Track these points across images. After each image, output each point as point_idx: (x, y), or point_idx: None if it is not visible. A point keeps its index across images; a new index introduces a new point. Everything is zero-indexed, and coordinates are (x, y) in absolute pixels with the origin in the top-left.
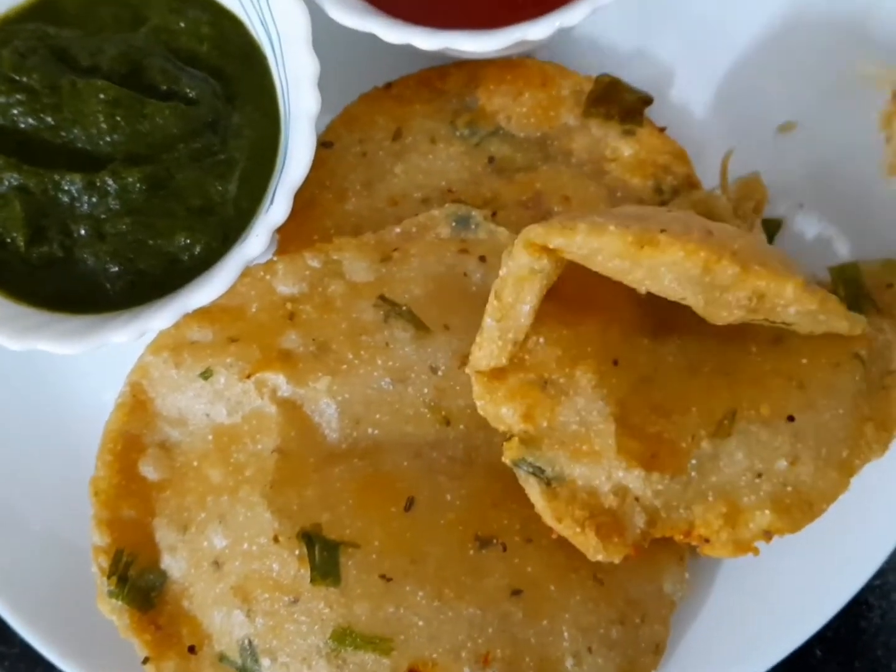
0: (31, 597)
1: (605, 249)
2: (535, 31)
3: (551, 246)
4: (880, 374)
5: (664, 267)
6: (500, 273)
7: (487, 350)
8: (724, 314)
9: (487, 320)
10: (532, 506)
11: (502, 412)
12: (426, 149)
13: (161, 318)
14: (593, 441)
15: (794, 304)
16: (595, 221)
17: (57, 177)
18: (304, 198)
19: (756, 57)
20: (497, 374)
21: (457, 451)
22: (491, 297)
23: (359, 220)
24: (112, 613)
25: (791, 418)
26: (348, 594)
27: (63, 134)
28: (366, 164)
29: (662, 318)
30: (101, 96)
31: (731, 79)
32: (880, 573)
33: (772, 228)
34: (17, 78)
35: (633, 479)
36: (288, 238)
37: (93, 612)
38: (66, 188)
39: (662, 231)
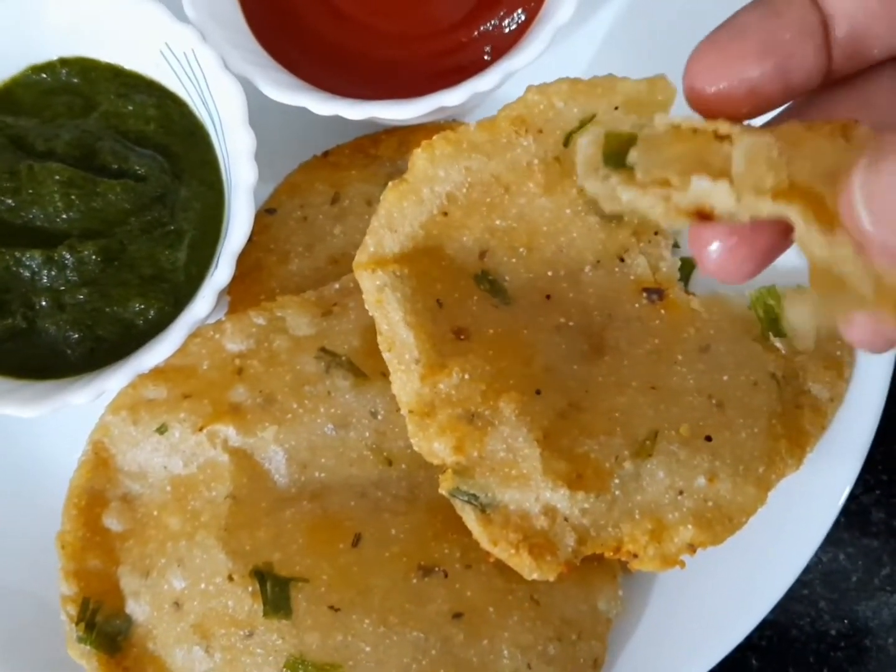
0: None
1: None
2: (452, 97)
3: (376, 257)
4: (794, 394)
5: None
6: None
7: (400, 382)
8: None
9: (385, 355)
10: (470, 535)
11: (435, 447)
12: (363, 210)
13: (116, 378)
14: (521, 465)
15: None
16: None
17: (18, 254)
18: (250, 261)
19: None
20: (427, 411)
21: (400, 490)
22: (378, 335)
23: (302, 280)
24: (81, 658)
25: (709, 438)
26: (299, 625)
27: (22, 214)
28: (307, 228)
29: (594, 341)
30: (57, 178)
31: None
32: (807, 583)
33: (688, 267)
34: None
35: (560, 498)
36: (237, 299)
37: (63, 658)
38: (26, 263)
39: None
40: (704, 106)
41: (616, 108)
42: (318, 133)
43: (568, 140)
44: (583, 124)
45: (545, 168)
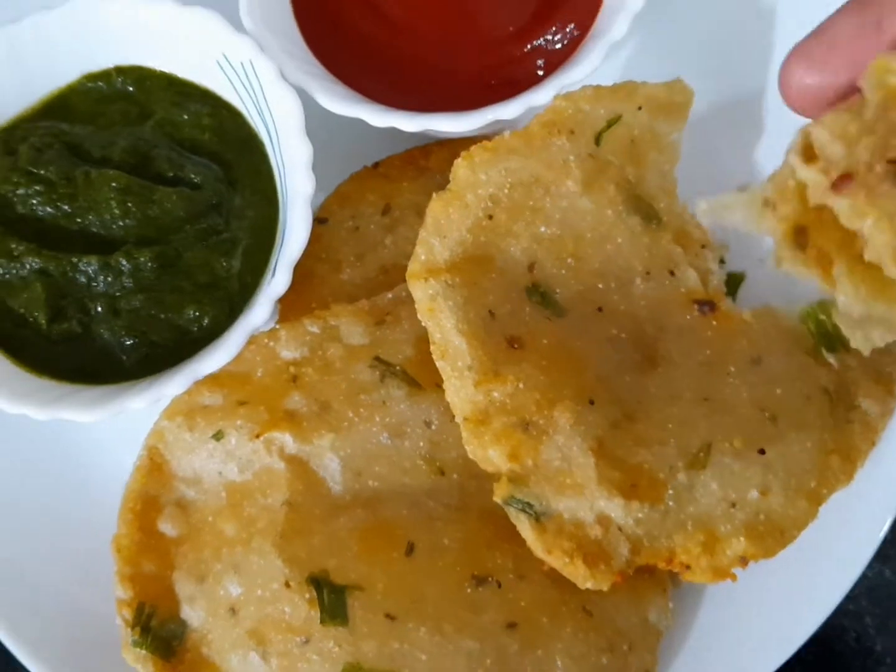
0: (60, 655)
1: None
2: (507, 111)
3: (428, 266)
4: (846, 408)
5: None
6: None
7: (453, 389)
8: None
9: (438, 363)
10: (523, 545)
11: (490, 454)
12: (413, 221)
13: (174, 384)
14: (575, 474)
15: None
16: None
17: (74, 259)
18: (302, 270)
19: (714, 118)
20: (482, 419)
21: (451, 499)
22: (430, 344)
23: (353, 289)
24: (136, 662)
25: (762, 451)
26: (356, 633)
27: (79, 220)
28: (358, 237)
29: (646, 352)
30: (113, 185)
31: (690, 139)
32: (853, 598)
33: (735, 281)
34: (35, 171)
35: (615, 508)
36: (288, 307)
37: (118, 664)
38: (83, 269)
39: None
40: (797, 105)
41: (639, 109)
42: (368, 143)
43: (599, 138)
44: (610, 124)
45: (581, 164)
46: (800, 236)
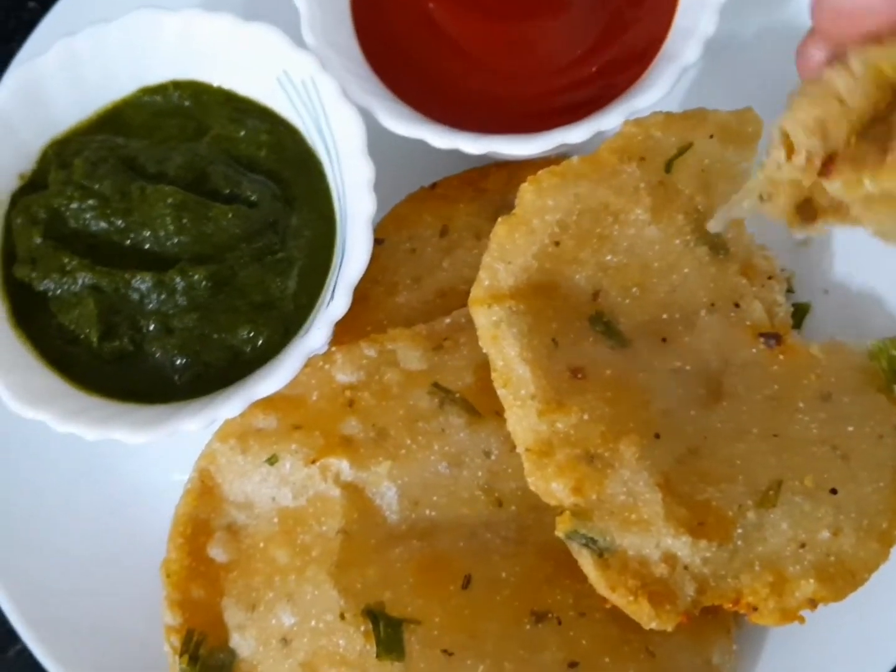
0: None
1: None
2: (574, 135)
3: (492, 292)
4: None
5: None
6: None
7: (516, 418)
8: None
9: (500, 392)
10: (583, 581)
11: (553, 487)
12: (471, 244)
13: (230, 406)
14: (641, 510)
15: None
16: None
17: (128, 276)
18: (356, 292)
19: None
20: (545, 450)
21: (509, 532)
22: (492, 371)
23: (409, 312)
24: None
25: (834, 491)
26: (412, 669)
27: (132, 236)
28: (415, 260)
29: (711, 386)
30: (169, 201)
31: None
32: None
33: (801, 313)
34: (89, 185)
35: (682, 546)
36: (342, 330)
37: None
38: (136, 286)
39: None
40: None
41: (711, 137)
42: (425, 164)
43: (669, 166)
44: (681, 151)
45: (651, 192)
46: (806, 208)
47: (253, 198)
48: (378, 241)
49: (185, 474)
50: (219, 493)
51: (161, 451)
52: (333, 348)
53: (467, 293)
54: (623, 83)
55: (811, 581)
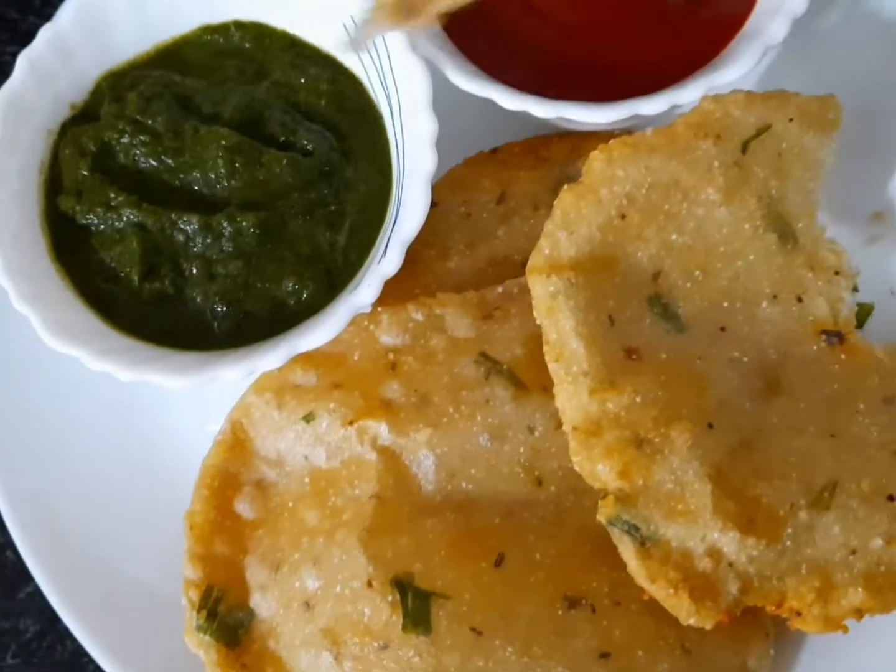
0: (111, 626)
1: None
2: (649, 106)
3: (552, 261)
4: None
5: None
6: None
7: (565, 395)
8: None
9: (551, 366)
10: (621, 569)
11: (598, 469)
12: (528, 214)
13: (271, 358)
14: (689, 500)
15: None
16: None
17: (174, 216)
18: (406, 254)
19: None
20: (594, 430)
21: (547, 512)
22: (544, 344)
23: (459, 279)
24: (199, 647)
25: (891, 498)
26: (438, 644)
27: (182, 176)
28: (469, 225)
29: (769, 379)
30: (222, 143)
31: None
32: None
33: (864, 313)
34: (142, 120)
35: (728, 541)
36: (389, 291)
37: (175, 647)
38: (182, 228)
39: None
40: None
41: (791, 121)
42: (486, 128)
43: (746, 147)
44: (759, 133)
45: (725, 172)
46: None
47: (309, 147)
48: (432, 204)
49: (217, 425)
50: (250, 448)
51: (195, 400)
52: (379, 308)
53: (521, 264)
54: (703, 57)
55: (859, 590)
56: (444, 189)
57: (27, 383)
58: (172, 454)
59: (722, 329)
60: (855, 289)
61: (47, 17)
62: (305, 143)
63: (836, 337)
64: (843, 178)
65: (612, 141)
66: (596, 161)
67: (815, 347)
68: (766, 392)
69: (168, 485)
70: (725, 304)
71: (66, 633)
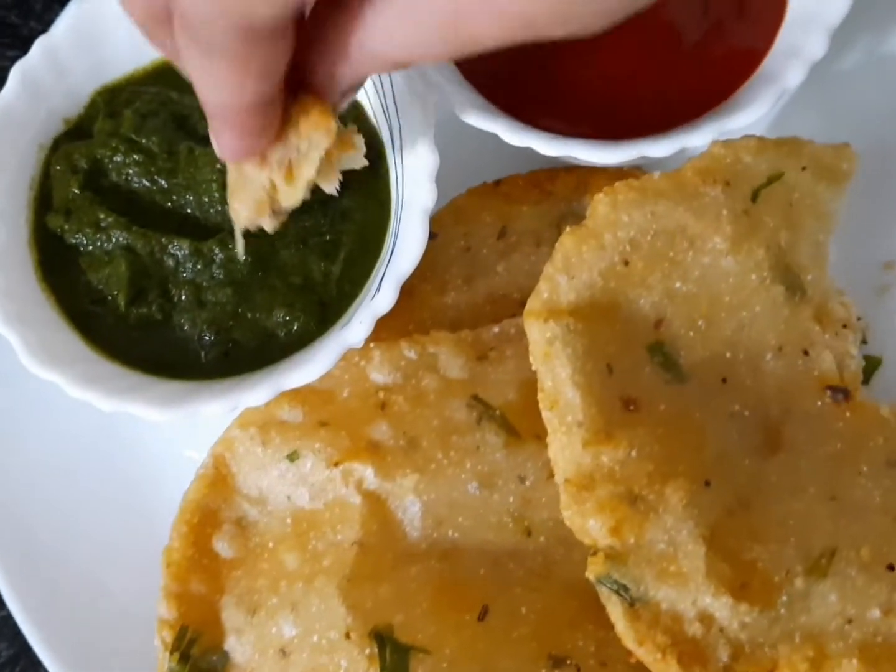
0: (84, 657)
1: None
2: (657, 149)
3: (550, 306)
4: None
5: None
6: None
7: (559, 445)
8: None
9: (545, 414)
10: (608, 628)
11: (589, 524)
12: (530, 250)
13: (255, 394)
14: (681, 562)
15: None
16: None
17: (165, 240)
18: (402, 286)
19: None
20: (586, 484)
21: (535, 564)
22: (538, 391)
23: (456, 315)
24: None
25: (891, 567)
26: None
27: (174, 198)
28: (468, 259)
29: (769, 435)
30: (217, 166)
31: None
32: None
33: (871, 366)
34: (136, 139)
35: (721, 606)
36: (382, 325)
37: None
38: (172, 252)
39: None
40: None
41: (804, 169)
42: (492, 157)
43: (756, 195)
44: (771, 181)
45: (734, 220)
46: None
47: None
48: (432, 235)
49: (197, 452)
50: (232, 484)
51: (176, 425)
52: (372, 344)
53: (519, 302)
54: (715, 98)
55: (854, 661)
56: (444, 220)
57: (8, 402)
58: (150, 478)
59: (724, 381)
60: (864, 340)
61: (49, 22)
62: None
63: (841, 393)
64: (854, 226)
65: (617, 184)
66: (600, 204)
67: (819, 403)
68: (766, 448)
69: (145, 510)
70: (728, 355)
71: (39, 661)
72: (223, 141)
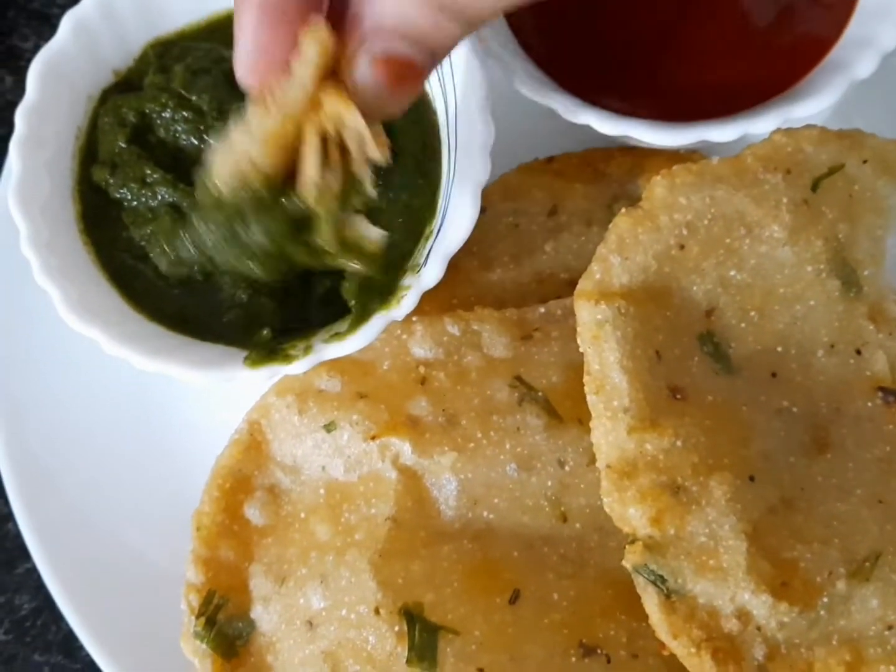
0: (106, 615)
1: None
2: (719, 133)
3: (602, 287)
4: None
5: None
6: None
7: (602, 430)
8: None
9: (590, 398)
10: (641, 619)
11: (630, 513)
12: (580, 230)
13: (297, 364)
14: (721, 557)
15: None
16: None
17: None
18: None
19: None
20: (629, 471)
21: (569, 550)
22: (585, 374)
23: (501, 293)
24: (194, 655)
25: None
26: None
27: None
28: (516, 236)
29: (817, 434)
30: None
31: None
32: None
33: None
34: (187, 95)
35: (759, 604)
36: (425, 299)
37: (167, 646)
38: None
39: None
40: None
41: (865, 163)
42: (546, 134)
43: (817, 185)
44: (832, 171)
45: (793, 209)
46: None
47: None
48: (481, 210)
49: (232, 414)
50: (266, 451)
51: (212, 387)
52: (414, 318)
53: (567, 282)
54: (781, 84)
55: (891, 668)
56: (493, 195)
57: (44, 358)
58: (184, 438)
59: (773, 375)
60: None
61: None
62: None
63: (892, 395)
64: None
65: (675, 167)
66: (658, 186)
67: (870, 404)
68: (814, 448)
69: (177, 471)
70: (780, 350)
71: (61, 615)
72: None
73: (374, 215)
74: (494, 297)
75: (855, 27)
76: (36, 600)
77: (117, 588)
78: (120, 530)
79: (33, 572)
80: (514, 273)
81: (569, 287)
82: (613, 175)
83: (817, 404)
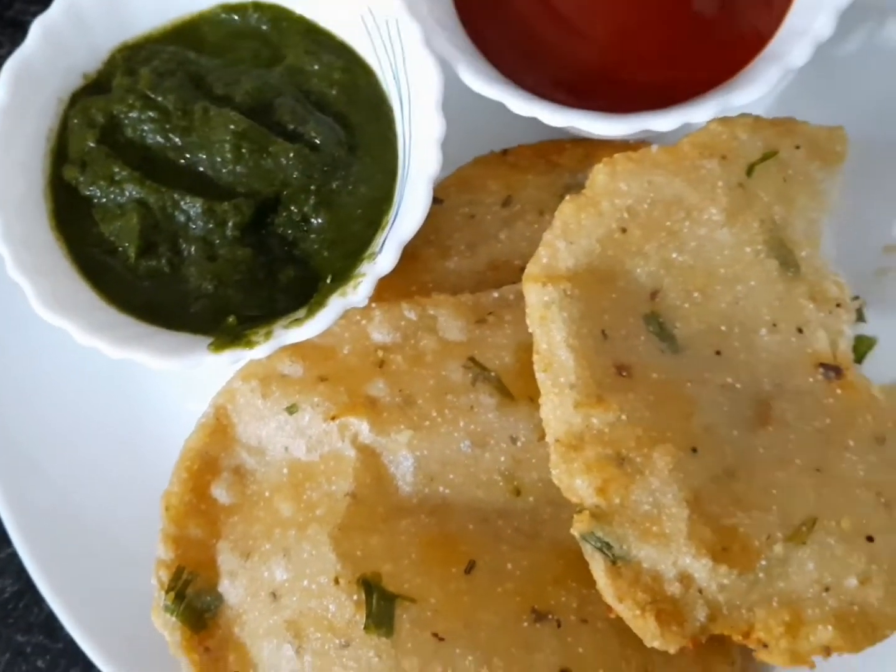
0: (84, 596)
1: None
2: (661, 122)
3: (548, 270)
4: None
5: None
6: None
7: (550, 406)
8: None
9: (539, 376)
10: (591, 586)
11: (576, 483)
12: (533, 219)
13: (257, 349)
14: (664, 524)
15: None
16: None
17: (177, 196)
18: (406, 250)
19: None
20: (575, 444)
21: (522, 523)
22: (534, 353)
23: (458, 280)
24: (164, 628)
25: (870, 538)
26: (399, 647)
27: (188, 156)
28: (472, 226)
29: (760, 408)
30: (231, 127)
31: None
32: None
33: (865, 346)
34: (153, 96)
35: (700, 568)
36: (385, 286)
37: (143, 622)
38: (184, 208)
39: None
40: None
41: (797, 148)
42: (500, 127)
43: (751, 170)
44: (766, 157)
45: (729, 192)
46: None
47: (317, 140)
48: (437, 201)
49: (199, 404)
50: (232, 433)
51: (179, 377)
52: (373, 304)
53: (521, 269)
54: (721, 75)
55: (829, 627)
56: (450, 187)
57: (19, 349)
58: (156, 426)
59: (717, 353)
60: (860, 319)
61: None
62: (314, 134)
63: (833, 371)
64: (855, 209)
65: (616, 155)
66: (599, 174)
67: (811, 380)
68: (756, 421)
69: (149, 456)
70: (723, 329)
71: (43, 597)
72: None
73: (335, 208)
74: (451, 284)
75: (792, 20)
76: (18, 583)
77: (94, 570)
78: (96, 515)
79: (15, 556)
80: (470, 261)
81: (522, 273)
82: (566, 165)
83: (760, 380)
